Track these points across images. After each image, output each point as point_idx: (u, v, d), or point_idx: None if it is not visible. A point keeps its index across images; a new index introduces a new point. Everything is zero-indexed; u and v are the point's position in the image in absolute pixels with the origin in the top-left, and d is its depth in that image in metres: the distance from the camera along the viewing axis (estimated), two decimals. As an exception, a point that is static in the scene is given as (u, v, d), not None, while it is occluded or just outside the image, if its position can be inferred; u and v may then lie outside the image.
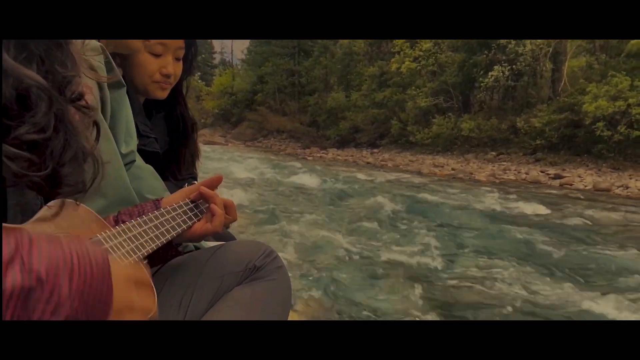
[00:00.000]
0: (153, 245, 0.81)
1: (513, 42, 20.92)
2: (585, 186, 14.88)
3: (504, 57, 21.32)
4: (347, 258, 5.54)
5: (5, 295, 0.41)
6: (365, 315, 3.99)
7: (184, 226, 0.93)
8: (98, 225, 0.72)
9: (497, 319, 3.96)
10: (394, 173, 17.88)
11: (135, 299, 0.57)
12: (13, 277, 0.42)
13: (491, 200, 10.69)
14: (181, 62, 1.46)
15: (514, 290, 4.72)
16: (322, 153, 28.07)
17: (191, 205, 0.99)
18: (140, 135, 1.35)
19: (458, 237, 6.85)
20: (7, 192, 0.56)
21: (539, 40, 20.53)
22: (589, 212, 9.58)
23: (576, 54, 21.98)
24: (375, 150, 27.04)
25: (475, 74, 23.07)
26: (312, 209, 8.90)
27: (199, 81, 49.84)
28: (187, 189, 1.02)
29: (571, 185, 15.24)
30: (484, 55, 22.01)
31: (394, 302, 4.32)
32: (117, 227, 0.76)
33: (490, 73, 21.52)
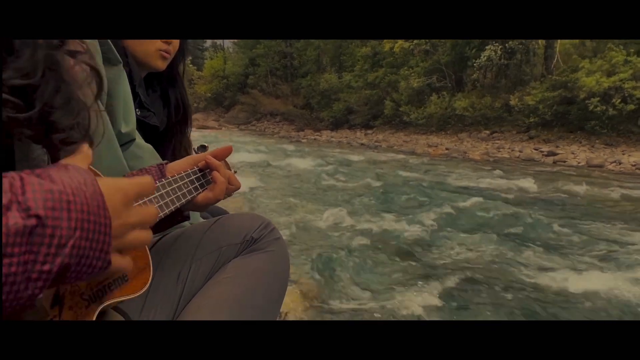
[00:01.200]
0: (161, 214, 0.80)
1: (505, 19, 20.77)
2: (579, 163, 14.95)
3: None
4: (343, 235, 5.56)
5: (10, 240, 0.42)
6: (355, 290, 4.03)
7: (189, 197, 0.92)
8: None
9: (486, 291, 4.00)
10: (388, 154, 17.88)
11: (131, 214, 0.57)
12: (13, 220, 0.42)
13: (485, 178, 10.73)
14: None
15: (505, 266, 4.77)
16: (316, 135, 27.99)
17: (199, 174, 0.98)
18: (142, 106, 1.35)
19: (452, 215, 6.89)
20: (14, 146, 0.56)
21: (531, 17, 20.38)
22: (583, 188, 9.64)
23: (569, 31, 21.82)
24: (369, 131, 26.98)
25: (468, 52, 22.97)
26: (307, 190, 8.92)
27: (190, 65, 49.35)
28: (194, 156, 1.01)
29: (564, 162, 15.30)
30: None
31: (382, 274, 4.37)
32: None
33: (482, 54, 21.43)
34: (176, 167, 0.98)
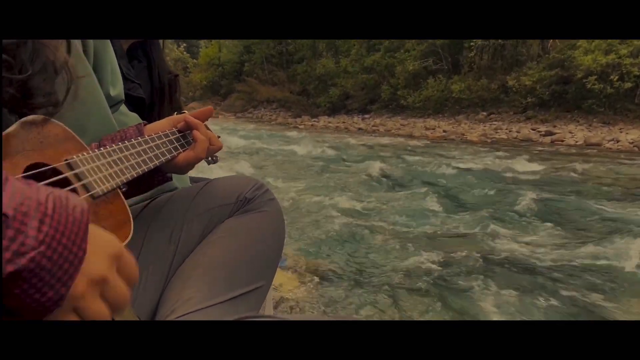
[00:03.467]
0: (134, 172, 0.78)
1: (501, -1, 20.62)
2: (577, 142, 14.96)
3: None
4: (343, 219, 5.57)
5: None
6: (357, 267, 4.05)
7: (168, 156, 0.90)
8: (75, 145, 0.69)
9: (483, 265, 4.02)
10: (386, 138, 17.86)
11: (111, 276, 0.51)
12: None
13: (483, 160, 10.74)
14: None
15: (507, 244, 4.79)
16: (314, 121, 27.91)
17: (178, 135, 0.96)
18: (124, 78, 1.33)
19: (452, 196, 6.90)
20: None
21: (527, -3, 20.24)
22: (580, 166, 9.65)
23: (565, 10, 21.70)
24: (366, 116, 26.90)
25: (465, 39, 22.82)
26: (303, 175, 8.92)
27: (185, 53, 49.08)
28: (174, 117, 0.99)
29: (562, 141, 15.31)
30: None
31: (388, 255, 4.38)
32: (96, 150, 0.72)
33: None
34: (155, 127, 0.96)
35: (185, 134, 0.98)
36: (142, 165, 0.81)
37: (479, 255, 4.34)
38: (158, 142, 0.89)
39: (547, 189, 7.36)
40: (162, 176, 0.98)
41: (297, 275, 3.83)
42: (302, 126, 25.73)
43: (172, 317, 0.82)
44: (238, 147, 13.18)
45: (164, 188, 1.29)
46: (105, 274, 0.50)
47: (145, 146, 0.84)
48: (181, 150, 0.95)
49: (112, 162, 0.74)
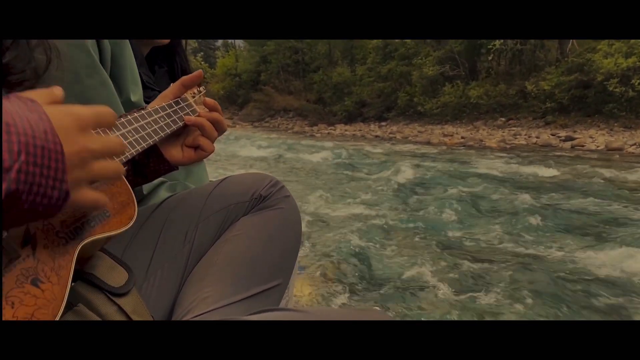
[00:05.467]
0: (133, 151, 0.74)
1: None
2: (598, 146, 14.71)
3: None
4: (365, 226, 5.53)
5: None
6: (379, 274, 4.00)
7: (168, 130, 0.87)
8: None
9: (504, 271, 3.95)
10: (403, 145, 17.78)
11: (91, 141, 0.52)
12: None
13: (503, 165, 10.61)
14: None
15: (529, 250, 4.70)
16: (330, 129, 27.92)
17: (175, 107, 0.92)
18: (144, 87, 1.32)
19: (473, 202, 6.81)
20: None
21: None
22: (602, 171, 9.48)
23: (583, 13, 21.46)
24: (383, 123, 26.84)
25: (481, 40, 22.64)
26: (322, 183, 8.91)
27: (202, 63, 49.59)
28: (168, 91, 0.96)
29: (583, 146, 15.07)
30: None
31: (408, 262, 4.33)
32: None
33: (496, 40, 21.12)
34: (152, 105, 0.93)
35: (183, 106, 0.94)
36: (141, 142, 0.77)
37: (501, 262, 4.26)
38: (155, 116, 0.85)
39: (567, 194, 7.24)
40: (168, 165, 0.95)
41: (312, 281, 3.81)
42: (318, 134, 25.76)
43: (188, 317, 0.80)
44: (256, 157, 13.23)
45: (175, 186, 1.27)
46: (85, 144, 0.51)
47: (142, 121, 0.80)
48: (180, 123, 0.91)
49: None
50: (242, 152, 13.93)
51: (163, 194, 1.20)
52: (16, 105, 0.46)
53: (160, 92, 1.44)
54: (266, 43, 39.72)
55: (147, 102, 1.34)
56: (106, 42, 0.96)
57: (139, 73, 1.31)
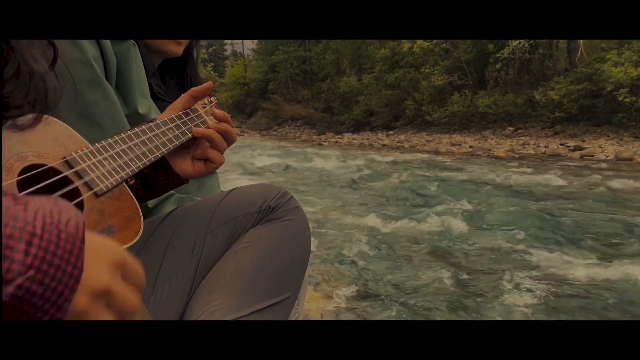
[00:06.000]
0: (140, 164, 0.73)
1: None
2: (607, 156, 14.60)
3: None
4: (371, 235, 5.51)
5: None
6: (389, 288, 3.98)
7: (177, 142, 0.85)
8: (74, 142, 0.64)
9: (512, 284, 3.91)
10: (411, 154, 17.74)
11: (116, 288, 0.47)
12: None
13: (512, 175, 10.55)
14: None
15: (537, 260, 4.66)
16: (338, 138, 27.91)
17: (185, 118, 0.91)
18: (155, 97, 1.32)
19: (480, 212, 6.77)
20: None
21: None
22: (612, 181, 9.40)
23: (592, 23, 21.37)
24: (390, 132, 26.80)
25: (491, 48, 22.59)
26: (331, 192, 8.89)
27: (212, 73, 49.90)
28: (178, 102, 0.95)
29: (592, 156, 14.96)
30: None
31: (419, 277, 4.30)
32: (96, 144, 0.67)
33: (509, 43, 21.03)
34: (160, 117, 0.92)
35: (192, 117, 0.93)
36: (149, 154, 0.76)
37: (508, 271, 4.23)
38: (164, 128, 0.83)
39: (578, 204, 7.18)
40: (178, 178, 0.94)
41: (319, 291, 3.79)
42: (326, 143, 25.76)
43: (196, 330, 0.80)
44: (263, 166, 13.24)
45: (184, 200, 1.26)
46: (108, 285, 0.46)
47: (150, 134, 0.79)
48: (189, 135, 0.89)
49: (114, 155, 0.69)
50: (250, 161, 13.95)
51: (169, 207, 1.19)
52: (57, 214, 0.42)
53: (171, 102, 1.45)
54: (274, 52, 39.92)
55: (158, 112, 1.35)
56: (111, 54, 0.95)
57: (150, 84, 1.31)
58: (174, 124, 0.87)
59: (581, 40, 20.37)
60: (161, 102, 1.36)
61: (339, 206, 7.39)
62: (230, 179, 9.93)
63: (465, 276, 4.20)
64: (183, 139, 0.87)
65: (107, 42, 0.94)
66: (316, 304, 3.56)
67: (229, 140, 0.97)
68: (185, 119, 0.91)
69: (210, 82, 0.98)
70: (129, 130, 0.76)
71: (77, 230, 0.43)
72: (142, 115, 1.04)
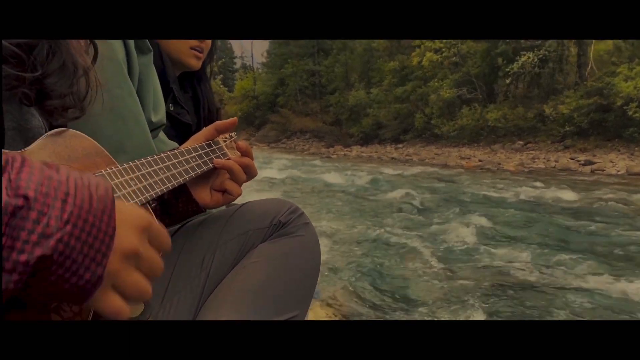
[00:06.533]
0: (163, 187, 0.75)
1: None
2: (618, 171, 14.49)
3: (529, 44, 20.86)
4: (382, 246, 5.48)
5: None
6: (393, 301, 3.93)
7: (198, 170, 0.87)
8: (104, 160, 0.66)
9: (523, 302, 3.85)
10: (420, 167, 17.70)
11: (144, 247, 0.50)
12: None
13: (522, 189, 10.48)
14: None
15: (548, 275, 4.60)
16: (346, 150, 27.97)
17: (207, 149, 0.94)
18: (176, 102, 1.33)
19: (490, 226, 6.71)
20: (4, 114, 0.52)
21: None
22: (623, 196, 9.30)
23: (602, 37, 21.39)
24: (399, 145, 26.82)
25: (500, 62, 22.60)
26: (339, 205, 8.87)
27: (221, 86, 50.33)
28: (200, 133, 0.97)
29: (603, 171, 14.85)
30: (509, 44, 21.57)
31: (424, 286, 4.25)
32: (124, 164, 0.69)
33: (518, 58, 21.04)
34: (185, 145, 0.94)
35: (215, 149, 0.96)
36: (172, 180, 0.78)
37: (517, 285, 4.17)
38: (187, 156, 0.86)
39: (589, 219, 7.10)
40: (197, 206, 0.95)
41: (328, 307, 3.75)
42: (334, 156, 25.80)
43: (203, 346, 0.78)
44: (273, 178, 13.26)
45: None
46: (137, 246, 0.49)
47: (174, 160, 0.82)
48: (211, 165, 0.92)
49: (140, 177, 0.71)
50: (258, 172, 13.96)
51: None
52: (86, 179, 0.45)
53: (188, 112, 1.46)
54: (284, 65, 40.25)
55: (176, 119, 1.36)
56: (136, 61, 0.98)
57: (172, 89, 1.34)
58: (196, 153, 0.90)
59: (591, 54, 20.36)
60: (180, 108, 1.39)
61: (341, 218, 7.36)
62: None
63: (478, 292, 4.14)
64: (205, 168, 0.90)
65: (133, 51, 0.97)
66: (314, 313, 3.53)
67: (249, 174, 0.98)
68: (207, 149, 0.94)
69: (235, 118, 1.01)
70: (155, 155, 0.78)
71: (107, 192, 0.46)
72: (154, 124, 1.06)
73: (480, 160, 18.83)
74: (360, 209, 8.35)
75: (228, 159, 0.96)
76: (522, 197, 9.52)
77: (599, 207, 8.28)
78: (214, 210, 1.13)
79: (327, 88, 37.79)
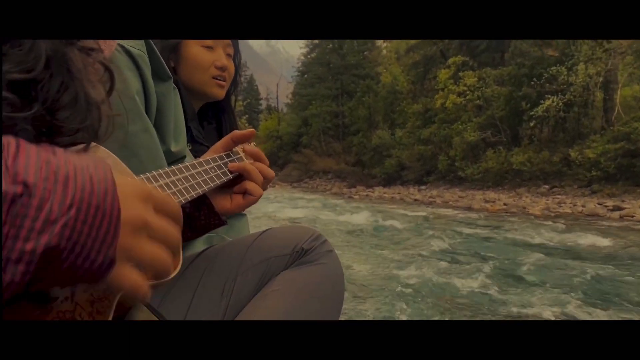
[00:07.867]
0: (181, 199, 0.73)
1: (564, 72, 20.39)
2: (649, 217, 14.09)
3: (554, 88, 20.80)
4: (403, 292, 5.35)
5: None
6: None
7: (218, 181, 0.86)
8: (122, 172, 0.65)
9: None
10: (444, 209, 17.50)
11: (153, 219, 0.49)
12: None
13: (548, 234, 10.24)
14: (232, 61, 1.44)
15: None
16: (368, 191, 27.86)
17: (226, 159, 0.93)
18: (193, 141, 1.33)
19: (515, 272, 6.53)
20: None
21: (590, 70, 19.96)
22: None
23: (628, 82, 21.27)
24: (422, 187, 26.64)
25: (524, 106, 22.52)
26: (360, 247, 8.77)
27: (246, 125, 51.16)
28: (219, 144, 0.96)
29: (632, 217, 14.45)
30: (533, 87, 21.55)
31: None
32: (140, 175, 0.67)
33: (543, 102, 20.96)
34: (204, 156, 0.93)
35: (234, 159, 0.95)
36: (190, 190, 0.77)
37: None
38: (206, 166, 0.85)
39: (619, 266, 6.86)
40: (218, 219, 0.92)
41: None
42: (356, 196, 25.71)
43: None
44: (293, 218, 13.24)
45: (214, 238, 1.23)
46: (144, 216, 0.48)
47: (193, 171, 0.80)
48: (230, 175, 0.91)
49: (158, 188, 0.70)
50: (279, 213, 13.98)
51: (199, 246, 1.18)
52: (84, 160, 0.43)
53: (208, 147, 1.45)
54: (307, 107, 40.85)
55: (196, 157, 1.34)
56: (153, 92, 0.97)
57: (190, 127, 1.32)
58: (215, 164, 0.89)
59: (618, 99, 20.19)
60: (199, 146, 1.37)
61: (364, 260, 7.25)
62: (258, 225, 9.90)
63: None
64: (224, 178, 0.89)
65: (149, 80, 0.96)
66: None
67: (265, 175, 0.96)
68: (227, 159, 0.93)
69: (252, 129, 1.00)
70: (173, 166, 0.77)
71: (106, 172, 0.44)
72: (174, 154, 1.05)
73: (505, 204, 18.52)
74: (384, 251, 8.23)
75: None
76: (551, 243, 9.28)
77: (632, 253, 8.01)
78: (234, 235, 1.09)
79: (350, 129, 38.10)
